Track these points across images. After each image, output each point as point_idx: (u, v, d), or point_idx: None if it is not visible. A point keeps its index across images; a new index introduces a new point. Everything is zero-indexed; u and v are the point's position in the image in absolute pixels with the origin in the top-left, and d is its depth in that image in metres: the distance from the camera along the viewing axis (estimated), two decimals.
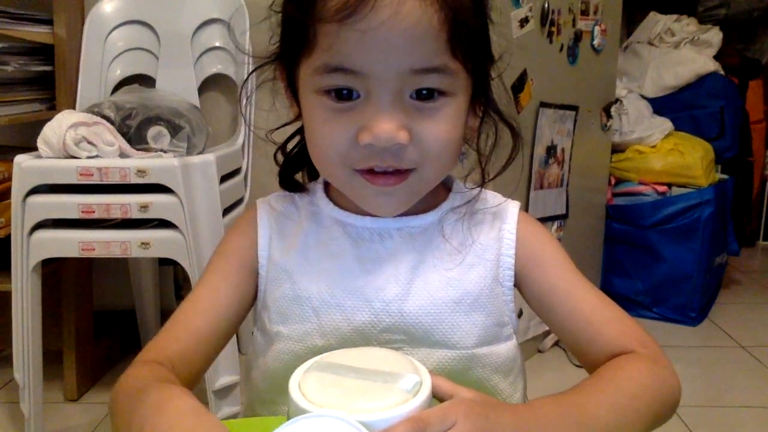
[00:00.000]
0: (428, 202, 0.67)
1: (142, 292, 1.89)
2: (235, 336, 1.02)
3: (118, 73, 1.74)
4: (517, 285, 0.69)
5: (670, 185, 2.38)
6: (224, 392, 1.46)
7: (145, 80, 1.74)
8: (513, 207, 0.70)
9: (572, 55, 1.97)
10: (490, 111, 0.66)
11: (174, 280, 2.02)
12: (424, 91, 0.58)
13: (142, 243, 1.37)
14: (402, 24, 0.54)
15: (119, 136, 1.42)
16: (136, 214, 1.35)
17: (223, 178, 1.48)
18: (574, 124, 2.03)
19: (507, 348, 0.67)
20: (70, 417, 1.66)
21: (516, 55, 1.68)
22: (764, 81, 3.07)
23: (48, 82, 1.66)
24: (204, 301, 0.67)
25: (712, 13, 3.16)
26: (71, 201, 1.36)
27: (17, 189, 1.37)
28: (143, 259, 1.84)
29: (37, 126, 1.42)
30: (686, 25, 2.73)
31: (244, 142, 1.65)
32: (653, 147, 2.42)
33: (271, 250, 0.69)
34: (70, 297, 1.68)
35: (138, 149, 1.44)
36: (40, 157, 1.38)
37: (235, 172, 1.60)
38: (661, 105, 2.58)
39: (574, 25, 1.96)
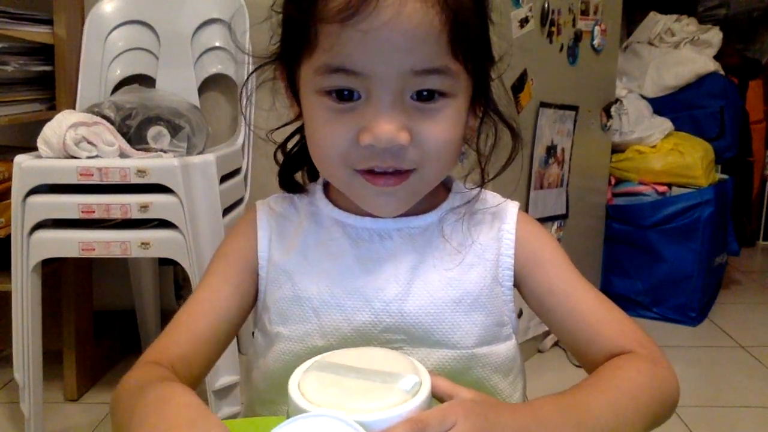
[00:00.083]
0: (428, 203, 0.67)
1: (142, 292, 1.89)
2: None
3: (118, 73, 1.74)
4: (517, 285, 0.69)
5: (670, 185, 2.38)
6: (224, 392, 1.46)
7: (145, 80, 1.74)
8: (512, 207, 0.70)
9: (572, 55, 1.97)
10: (490, 111, 0.66)
11: (174, 280, 2.02)
12: (425, 92, 0.58)
13: (142, 243, 1.37)
14: (404, 25, 0.54)
15: (119, 136, 1.42)
16: (136, 214, 1.35)
17: (223, 178, 1.48)
18: (574, 124, 2.03)
19: (507, 348, 0.67)
20: (70, 417, 1.66)
21: (516, 55, 1.68)
22: (764, 81, 3.07)
23: (48, 82, 1.66)
24: (205, 304, 0.67)
25: (712, 13, 3.16)
26: (71, 201, 1.36)
27: (17, 189, 1.37)
28: (143, 259, 1.84)
29: (37, 126, 1.42)
30: (686, 25, 2.73)
31: (244, 142, 1.65)
32: (653, 147, 2.42)
33: (271, 251, 0.69)
34: (70, 297, 1.68)
35: (138, 149, 1.44)
36: (40, 157, 1.38)
37: (235, 172, 1.60)
38: (661, 105, 2.58)
39: (574, 25, 1.96)
